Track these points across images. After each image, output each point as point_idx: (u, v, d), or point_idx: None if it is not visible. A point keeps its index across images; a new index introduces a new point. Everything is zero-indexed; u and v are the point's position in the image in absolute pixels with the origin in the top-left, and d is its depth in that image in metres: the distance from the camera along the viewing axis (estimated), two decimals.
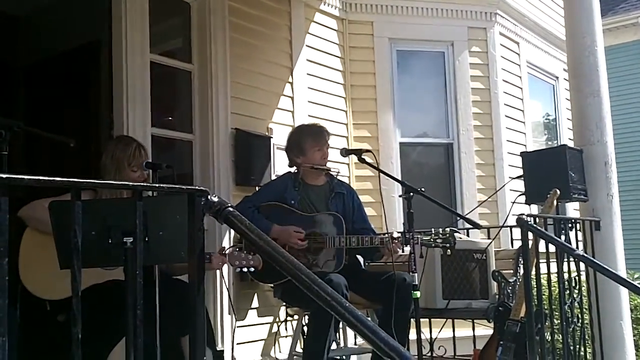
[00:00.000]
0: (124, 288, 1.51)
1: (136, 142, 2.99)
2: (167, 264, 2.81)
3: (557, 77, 6.93)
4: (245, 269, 2.96)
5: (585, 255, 3.24)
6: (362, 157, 3.19)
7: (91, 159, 4.29)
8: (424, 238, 3.14)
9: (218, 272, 4.05)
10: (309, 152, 3.43)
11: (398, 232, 3.21)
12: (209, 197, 1.47)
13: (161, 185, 2.32)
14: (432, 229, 3.16)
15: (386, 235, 3.22)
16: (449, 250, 3.19)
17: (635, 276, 5.76)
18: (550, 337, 3.02)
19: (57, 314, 2.62)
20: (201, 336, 1.43)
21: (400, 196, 3.29)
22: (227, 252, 2.99)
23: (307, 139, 3.46)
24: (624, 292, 3.54)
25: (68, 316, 1.27)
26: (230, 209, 1.49)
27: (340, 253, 3.28)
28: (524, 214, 2.88)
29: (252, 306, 4.18)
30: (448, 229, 3.17)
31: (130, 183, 1.50)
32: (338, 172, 3.84)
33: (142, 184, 1.49)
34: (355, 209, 3.54)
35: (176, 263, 2.74)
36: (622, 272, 3.65)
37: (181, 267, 2.81)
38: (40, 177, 1.23)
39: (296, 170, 3.53)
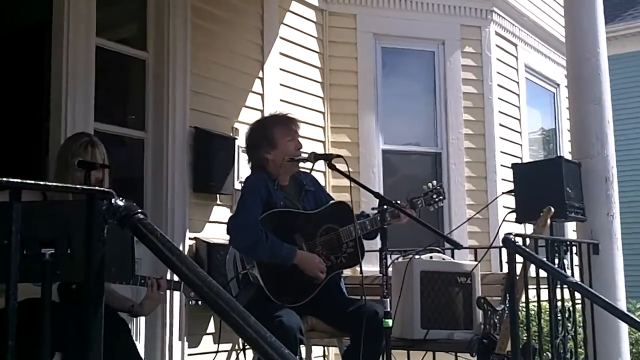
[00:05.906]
0: (33, 308, 1.37)
1: (88, 138, 2.80)
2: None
3: (558, 85, 6.88)
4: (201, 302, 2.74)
5: (580, 283, 3.14)
6: (332, 163, 2.96)
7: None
8: (424, 200, 3.30)
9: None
10: (281, 144, 3.10)
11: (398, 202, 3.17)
12: (112, 200, 1.35)
13: (57, 184, 1.99)
14: (424, 188, 3.32)
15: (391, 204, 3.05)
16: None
17: (638, 306, 5.77)
18: None
19: None
20: None
21: (373, 209, 3.17)
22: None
23: (277, 130, 3.14)
24: (624, 325, 3.39)
25: None
26: (140, 216, 1.35)
27: (360, 241, 3.15)
28: (511, 234, 2.72)
29: (207, 331, 4.00)
30: (433, 183, 3.37)
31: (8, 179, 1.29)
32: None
33: (30, 181, 1.29)
34: (327, 201, 3.39)
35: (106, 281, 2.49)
36: (622, 302, 3.56)
37: (114, 299, 2.71)
38: None
39: (264, 169, 3.17)
